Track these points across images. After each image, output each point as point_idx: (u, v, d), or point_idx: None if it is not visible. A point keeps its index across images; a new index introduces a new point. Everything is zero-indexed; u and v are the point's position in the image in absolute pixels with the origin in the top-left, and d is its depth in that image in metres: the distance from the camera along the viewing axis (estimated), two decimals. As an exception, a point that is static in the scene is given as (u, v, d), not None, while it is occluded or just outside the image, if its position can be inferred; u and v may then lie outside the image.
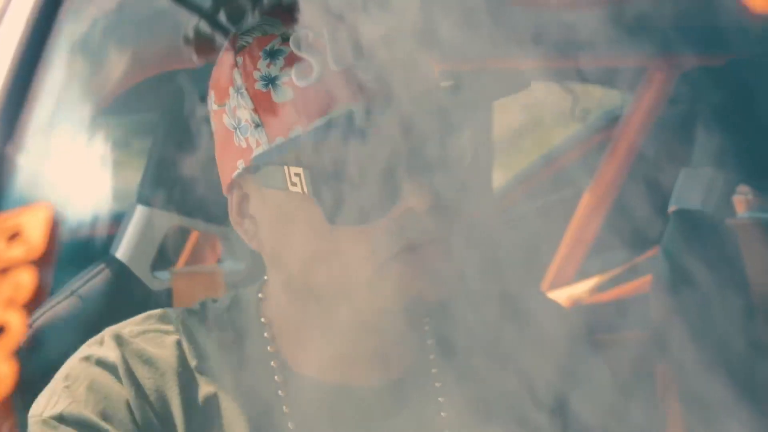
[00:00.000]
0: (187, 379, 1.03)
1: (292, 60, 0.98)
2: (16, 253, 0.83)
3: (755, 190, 1.92)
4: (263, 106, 0.98)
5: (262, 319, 1.06)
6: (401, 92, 0.96)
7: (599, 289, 2.26)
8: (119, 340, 1.03)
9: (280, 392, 1.04)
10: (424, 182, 0.98)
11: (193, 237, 1.76)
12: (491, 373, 1.06)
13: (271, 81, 0.98)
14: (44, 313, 1.36)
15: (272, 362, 1.04)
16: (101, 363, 1.02)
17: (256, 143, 0.99)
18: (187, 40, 1.18)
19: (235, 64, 1.00)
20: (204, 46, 1.23)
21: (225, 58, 1.03)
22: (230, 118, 1.01)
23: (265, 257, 1.06)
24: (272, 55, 0.99)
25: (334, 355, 1.04)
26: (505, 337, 1.07)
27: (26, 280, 0.83)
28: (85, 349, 1.04)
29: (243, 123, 1.00)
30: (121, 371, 1.01)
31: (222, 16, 1.17)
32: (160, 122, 1.51)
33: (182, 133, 1.49)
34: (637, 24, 1.61)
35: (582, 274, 2.43)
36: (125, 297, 1.44)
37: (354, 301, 1.00)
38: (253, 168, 1.00)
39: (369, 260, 0.99)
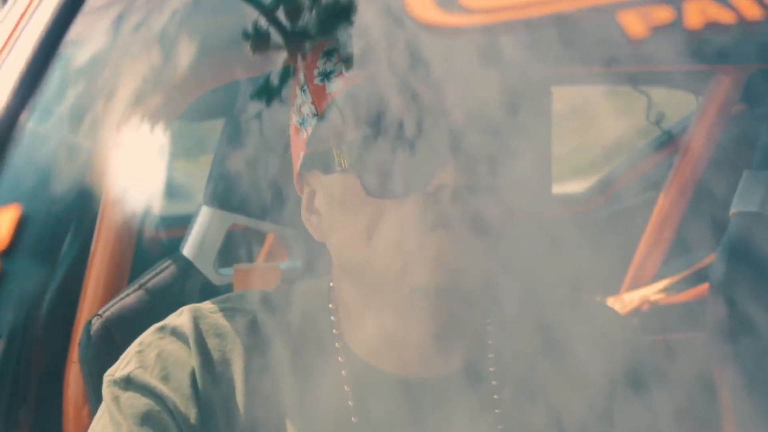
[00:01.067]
0: (254, 355, 1.07)
1: (344, 56, 1.04)
2: None
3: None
4: (319, 98, 1.05)
5: (330, 305, 1.11)
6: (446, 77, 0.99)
7: (670, 290, 2.26)
8: (197, 312, 1.09)
9: (342, 372, 1.08)
10: (462, 159, 1.00)
11: (270, 236, 1.86)
12: (548, 374, 1.09)
13: (326, 75, 1.05)
14: (114, 304, 1.47)
15: (336, 344, 1.09)
16: (175, 332, 1.08)
17: (311, 132, 1.06)
18: (246, 35, 1.24)
19: (300, 67, 1.08)
20: (261, 42, 1.31)
21: (297, 66, 1.10)
22: (297, 116, 1.09)
23: (330, 249, 1.10)
24: (329, 54, 1.06)
25: (391, 340, 1.07)
26: (563, 342, 1.09)
27: None
28: (164, 320, 1.10)
29: (306, 117, 1.07)
30: (192, 341, 1.06)
31: (281, 13, 1.22)
32: (224, 128, 1.61)
33: (243, 138, 1.59)
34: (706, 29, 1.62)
35: (661, 276, 2.44)
36: (189, 291, 1.53)
37: (398, 279, 1.02)
38: (311, 157, 1.07)
39: (406, 235, 1.01)
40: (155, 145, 1.66)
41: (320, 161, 1.07)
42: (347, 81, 1.04)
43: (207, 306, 1.11)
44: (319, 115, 1.05)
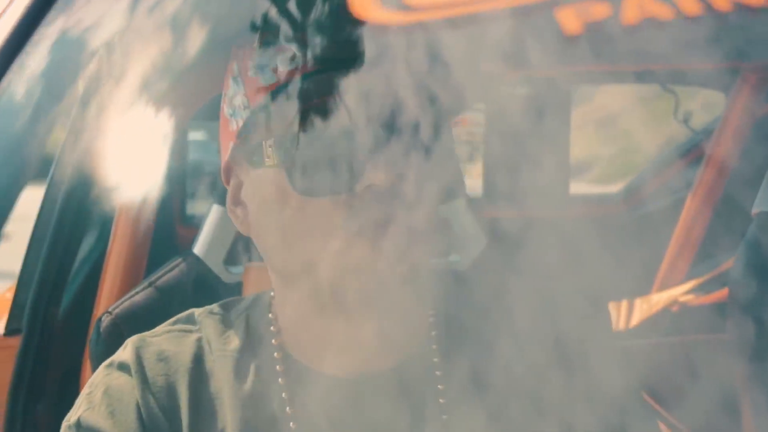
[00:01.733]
0: (198, 376, 1.07)
1: (280, 50, 1.03)
2: None
3: None
4: (251, 89, 1.04)
5: (270, 315, 1.10)
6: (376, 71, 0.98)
7: (703, 290, 2.24)
8: (140, 342, 1.10)
9: (280, 380, 1.07)
10: (389, 160, 0.99)
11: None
12: (493, 366, 1.07)
13: (261, 68, 1.04)
14: (123, 302, 1.49)
15: (275, 353, 1.08)
16: (120, 366, 1.08)
17: (242, 122, 1.05)
18: (253, 27, 1.25)
19: (236, 57, 1.07)
20: (269, 33, 1.32)
21: (232, 57, 1.09)
22: (228, 107, 1.07)
23: (256, 243, 1.09)
24: (266, 44, 1.05)
25: (327, 342, 1.06)
26: (509, 331, 1.09)
27: None
28: (111, 357, 1.10)
29: (237, 108, 1.06)
30: (134, 371, 1.07)
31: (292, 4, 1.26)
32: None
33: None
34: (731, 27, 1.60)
35: (690, 277, 2.41)
36: (198, 288, 1.55)
37: (327, 280, 1.01)
38: (238, 148, 1.06)
39: (335, 235, 1.00)
40: (171, 145, 1.68)
41: (249, 154, 1.06)
42: (282, 75, 1.03)
43: (153, 332, 1.12)
44: (251, 108, 1.04)
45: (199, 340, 1.10)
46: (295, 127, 1.01)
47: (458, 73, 0.99)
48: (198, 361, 1.08)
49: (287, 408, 1.06)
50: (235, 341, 1.10)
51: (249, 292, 1.54)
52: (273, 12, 1.06)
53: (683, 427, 1.88)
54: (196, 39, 1.42)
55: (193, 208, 1.82)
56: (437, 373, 1.09)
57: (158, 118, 1.51)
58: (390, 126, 0.99)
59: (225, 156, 1.09)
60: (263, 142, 1.04)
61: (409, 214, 1.00)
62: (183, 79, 1.55)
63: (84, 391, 1.09)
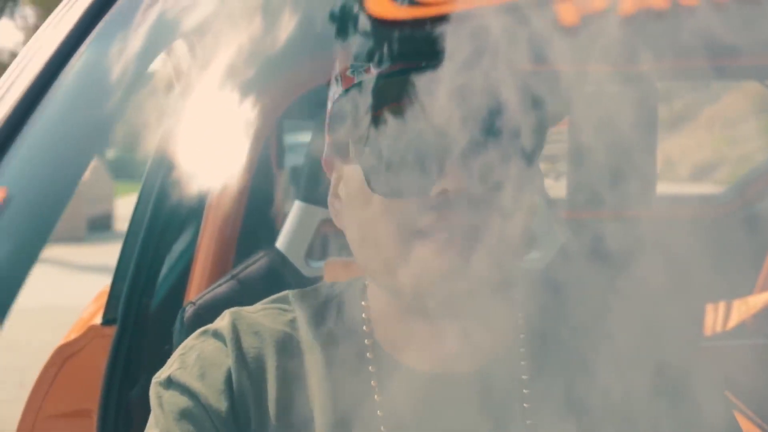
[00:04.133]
0: (289, 353, 1.11)
1: (375, 52, 1.04)
2: None
3: None
4: (347, 87, 1.06)
5: (363, 302, 1.13)
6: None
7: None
8: (236, 314, 1.14)
9: (370, 368, 1.09)
10: (466, 168, 1.00)
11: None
12: (580, 372, 1.07)
13: (357, 68, 1.07)
14: (207, 293, 1.54)
15: (366, 340, 1.11)
16: (215, 334, 1.13)
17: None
18: (353, 28, 1.27)
19: (340, 57, 1.09)
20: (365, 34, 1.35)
21: (337, 58, 1.12)
22: (330, 103, 1.11)
23: (348, 240, 1.12)
24: (362, 46, 1.05)
25: (417, 338, 1.08)
26: (599, 338, 1.08)
27: None
28: (208, 324, 1.15)
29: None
30: (229, 341, 1.11)
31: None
32: (315, 127, 1.66)
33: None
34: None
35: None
36: (279, 281, 1.59)
37: (403, 281, 1.03)
38: (337, 148, 1.09)
39: (397, 233, 1.02)
40: (262, 140, 1.73)
41: (339, 150, 1.09)
42: (371, 75, 1.05)
43: (252, 308, 1.16)
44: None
45: (293, 320, 1.14)
46: (374, 125, 1.03)
47: (557, 76, 0.99)
48: (290, 339, 1.12)
49: (375, 395, 1.09)
50: (326, 325, 1.13)
51: (329, 286, 1.57)
52: (364, 14, 1.09)
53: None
54: (291, 34, 1.47)
55: (282, 203, 1.86)
56: (523, 377, 1.09)
57: (249, 113, 1.56)
58: (471, 130, 1.00)
59: (326, 150, 1.13)
60: (349, 140, 1.07)
61: (488, 220, 1.01)
62: (275, 74, 1.59)
63: (177, 352, 1.14)
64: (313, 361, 1.11)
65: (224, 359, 1.11)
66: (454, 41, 0.97)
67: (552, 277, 1.16)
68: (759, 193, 2.87)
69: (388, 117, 1.02)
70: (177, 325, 1.49)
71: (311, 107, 1.70)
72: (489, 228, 1.01)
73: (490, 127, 1.00)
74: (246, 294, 1.55)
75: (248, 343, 1.11)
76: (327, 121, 1.11)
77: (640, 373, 1.07)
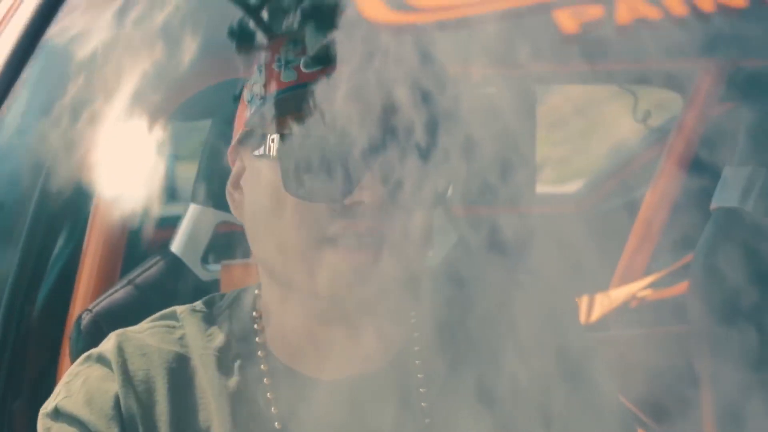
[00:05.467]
0: (180, 373, 1.09)
1: (305, 51, 1.05)
2: None
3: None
4: (271, 82, 1.06)
5: (254, 313, 1.11)
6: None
7: (661, 285, 2.30)
8: (122, 336, 1.11)
9: (265, 380, 1.08)
10: (384, 178, 1.01)
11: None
12: (476, 367, 1.09)
13: (285, 63, 1.06)
14: (103, 299, 1.51)
15: (259, 352, 1.09)
16: (99, 359, 1.10)
17: (253, 111, 1.07)
18: (231, 33, 1.26)
19: (265, 48, 1.09)
20: (246, 43, 1.34)
21: (261, 47, 1.11)
22: (248, 92, 1.10)
23: (246, 231, 1.11)
24: (294, 43, 1.06)
25: (310, 345, 1.08)
26: (492, 333, 1.10)
27: None
28: (92, 349, 1.12)
29: (254, 96, 1.08)
30: (115, 363, 1.08)
31: (265, 14, 1.27)
32: (212, 127, 1.65)
33: (229, 138, 1.63)
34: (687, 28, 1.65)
35: (649, 272, 2.47)
36: (176, 286, 1.57)
37: (302, 283, 1.04)
38: (246, 135, 1.08)
39: (305, 237, 1.02)
40: (146, 143, 1.69)
41: (255, 142, 1.07)
42: (300, 75, 1.05)
43: (136, 328, 1.13)
44: (265, 98, 1.07)
45: (182, 337, 1.11)
46: (299, 128, 1.03)
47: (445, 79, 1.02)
48: (180, 358, 1.10)
49: (272, 408, 1.08)
50: (218, 339, 1.11)
51: (226, 289, 1.56)
52: (300, 12, 1.08)
53: (643, 416, 1.93)
54: (174, 41, 1.45)
55: (170, 207, 1.84)
56: (419, 376, 1.10)
57: (135, 115, 1.53)
58: (385, 144, 1.01)
59: (234, 139, 1.11)
60: (268, 135, 1.05)
61: (397, 229, 1.02)
62: (161, 77, 1.57)
63: (62, 380, 1.11)
64: (206, 377, 1.09)
65: (110, 385, 1.08)
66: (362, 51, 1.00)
67: (443, 274, 1.18)
68: (611, 191, 3.02)
69: (314, 121, 1.02)
70: (73, 333, 1.46)
71: (203, 109, 1.69)
72: (397, 237, 1.03)
73: (407, 138, 1.02)
74: (143, 299, 1.53)
75: (136, 365, 1.09)
76: (243, 110, 1.09)
77: (532, 364, 1.09)
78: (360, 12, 1.01)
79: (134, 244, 1.74)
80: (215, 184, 1.61)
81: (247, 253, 1.79)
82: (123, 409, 1.07)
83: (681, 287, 2.25)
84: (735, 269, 1.72)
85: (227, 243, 1.69)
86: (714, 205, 1.86)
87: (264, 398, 1.08)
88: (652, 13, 1.75)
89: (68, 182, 1.68)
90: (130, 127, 1.53)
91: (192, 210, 1.59)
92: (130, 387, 1.08)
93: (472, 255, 1.18)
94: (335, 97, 1.02)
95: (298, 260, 1.04)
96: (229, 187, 1.12)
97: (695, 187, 2.13)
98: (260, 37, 1.13)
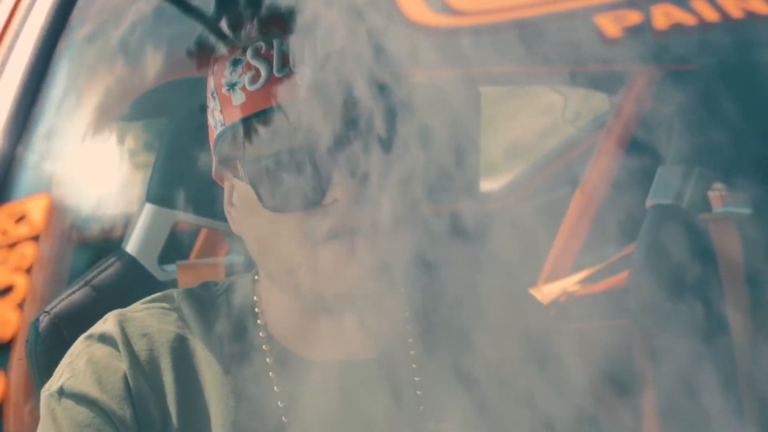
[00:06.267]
0: (182, 354, 1.11)
1: (247, 68, 1.08)
2: (22, 231, 0.98)
3: (729, 187, 2.02)
4: (226, 108, 1.09)
5: (254, 297, 1.15)
6: (338, 93, 1.05)
7: (589, 281, 2.36)
8: (121, 316, 1.12)
9: (267, 360, 1.12)
10: (353, 176, 1.05)
11: (204, 233, 1.88)
12: (468, 358, 1.14)
13: (231, 86, 1.09)
14: (60, 301, 1.48)
15: (260, 333, 1.13)
16: (102, 338, 1.11)
17: (221, 140, 1.10)
18: (189, 51, 1.27)
19: (212, 72, 1.12)
20: (205, 54, 1.34)
21: (212, 67, 1.14)
22: (211, 118, 1.13)
23: (245, 243, 1.15)
24: (235, 63, 1.09)
25: (310, 330, 1.12)
26: (480, 325, 1.15)
27: (29, 251, 0.99)
28: (90, 329, 1.13)
29: (217, 122, 1.12)
30: (120, 344, 1.10)
31: (223, 25, 1.28)
32: (168, 125, 1.63)
33: (187, 136, 1.62)
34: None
35: (577, 268, 2.53)
36: (134, 287, 1.55)
37: (300, 283, 1.08)
38: (225, 163, 1.12)
39: (302, 245, 1.07)
40: (98, 142, 1.67)
41: (228, 165, 1.12)
42: (248, 96, 1.07)
43: (133, 308, 1.15)
44: (225, 126, 1.10)
45: (180, 318, 1.13)
46: (262, 147, 1.06)
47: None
48: (180, 339, 1.12)
49: (275, 387, 1.11)
50: (218, 321, 1.13)
51: (184, 289, 1.56)
52: (237, 27, 1.10)
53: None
54: (123, 39, 1.43)
55: (125, 207, 1.81)
56: (414, 366, 1.14)
57: (86, 113, 1.51)
58: (351, 140, 1.05)
59: (214, 162, 1.15)
60: (238, 161, 1.09)
61: (377, 220, 1.06)
62: (113, 73, 1.55)
63: (63, 362, 1.11)
64: (207, 359, 1.11)
65: (118, 364, 1.09)
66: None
67: (426, 264, 1.21)
68: (535, 189, 3.08)
69: (272, 137, 1.06)
70: (31, 336, 1.43)
71: (159, 106, 1.67)
72: (379, 226, 1.07)
73: (366, 132, 1.06)
74: (102, 300, 1.51)
75: (139, 345, 1.10)
76: (212, 135, 1.13)
77: (511, 350, 1.15)
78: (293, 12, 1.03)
79: (86, 245, 1.71)
80: (171, 183, 1.60)
81: (203, 253, 1.79)
82: (133, 389, 1.08)
83: (610, 283, 2.32)
84: (673, 264, 1.79)
85: (184, 243, 1.68)
86: (650, 202, 1.93)
87: (267, 378, 1.11)
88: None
89: (12, 183, 1.64)
90: (81, 124, 1.51)
91: (147, 210, 1.58)
92: (138, 367, 1.09)
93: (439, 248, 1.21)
94: (289, 110, 1.05)
95: (295, 266, 1.07)
96: (226, 206, 1.16)
97: (623, 186, 2.20)
98: (203, 59, 1.15)
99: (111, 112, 1.66)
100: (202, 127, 1.36)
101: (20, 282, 1.02)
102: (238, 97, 1.08)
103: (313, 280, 1.07)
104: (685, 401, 1.70)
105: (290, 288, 1.11)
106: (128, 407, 1.08)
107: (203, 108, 1.18)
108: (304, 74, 1.05)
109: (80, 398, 1.07)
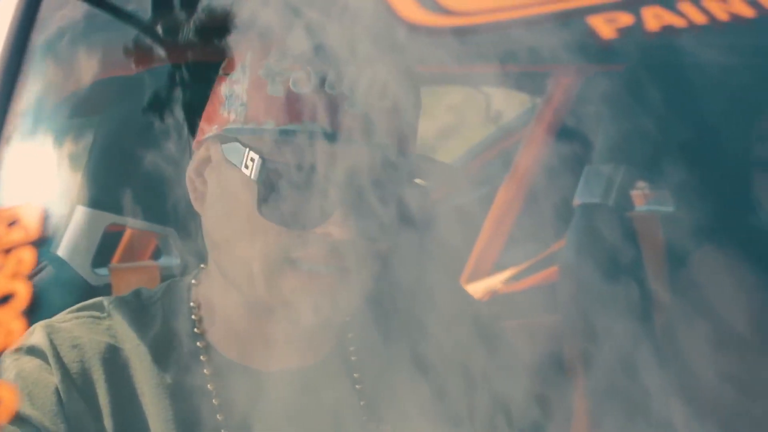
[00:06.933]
0: (114, 364, 1.09)
1: (296, 66, 1.06)
2: (16, 236, 0.95)
3: (652, 185, 2.07)
4: (255, 90, 1.07)
5: (191, 303, 1.13)
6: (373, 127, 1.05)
7: (514, 279, 2.39)
8: (49, 327, 1.09)
9: (205, 371, 1.10)
10: (354, 217, 1.04)
11: (127, 235, 1.84)
12: (409, 363, 1.14)
13: (272, 74, 1.07)
14: (-9, 306, 1.43)
15: (198, 343, 1.11)
16: (30, 351, 1.08)
17: (235, 118, 1.07)
18: (126, 51, 1.24)
19: (253, 48, 1.08)
20: (142, 55, 1.32)
21: (249, 43, 1.10)
22: (227, 88, 1.09)
23: (202, 221, 1.12)
24: (284, 55, 1.07)
25: (253, 338, 1.10)
26: (422, 327, 1.15)
27: (27, 256, 0.96)
28: (17, 342, 1.08)
29: (234, 96, 1.08)
30: (50, 356, 1.07)
31: (159, 29, 1.24)
32: (100, 125, 1.59)
33: (120, 136, 1.58)
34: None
35: (499, 267, 2.56)
36: (67, 292, 1.51)
37: (254, 290, 1.07)
38: (223, 137, 1.08)
39: (270, 254, 1.05)
40: (25, 141, 1.62)
41: (230, 151, 1.08)
42: (289, 94, 1.05)
43: (61, 318, 1.11)
44: (247, 107, 1.07)
45: (111, 327, 1.10)
46: (283, 152, 1.05)
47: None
48: (113, 349, 1.09)
49: (213, 400, 1.09)
50: (152, 330, 1.11)
51: (117, 293, 1.52)
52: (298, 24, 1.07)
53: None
54: (54, 36, 1.40)
55: (55, 209, 1.76)
56: (355, 375, 1.14)
57: (11, 110, 1.47)
58: (359, 184, 1.05)
59: (204, 130, 1.11)
60: (247, 150, 1.06)
61: (356, 265, 1.07)
62: (41, 68, 1.50)
63: None
64: (142, 369, 1.08)
65: (48, 377, 1.06)
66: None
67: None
68: (445, 194, 3.09)
69: (298, 147, 1.04)
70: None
71: (92, 105, 1.62)
72: (359, 272, 1.07)
73: (379, 182, 1.06)
74: (33, 305, 1.46)
75: (69, 357, 1.07)
76: (226, 115, 1.08)
77: (456, 354, 1.15)
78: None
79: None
80: (104, 185, 1.56)
81: (127, 256, 1.75)
82: (65, 402, 1.05)
83: (534, 280, 2.35)
84: (601, 262, 1.83)
85: (117, 246, 1.64)
86: (577, 201, 1.96)
87: (205, 389, 1.09)
88: (512, 16, 1.83)
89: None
90: (6, 123, 1.47)
91: (79, 212, 1.53)
92: (69, 380, 1.06)
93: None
94: (327, 131, 1.03)
95: (257, 271, 1.06)
96: (191, 173, 1.12)
97: (549, 184, 2.23)
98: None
99: (39, 112, 1.62)
100: (136, 127, 1.32)
101: (21, 289, 0.98)
102: (275, 88, 1.06)
103: (269, 294, 1.05)
104: (615, 396, 1.73)
105: (238, 286, 1.08)
106: (61, 422, 1.05)
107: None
108: (353, 102, 1.04)
109: (11, 415, 1.04)
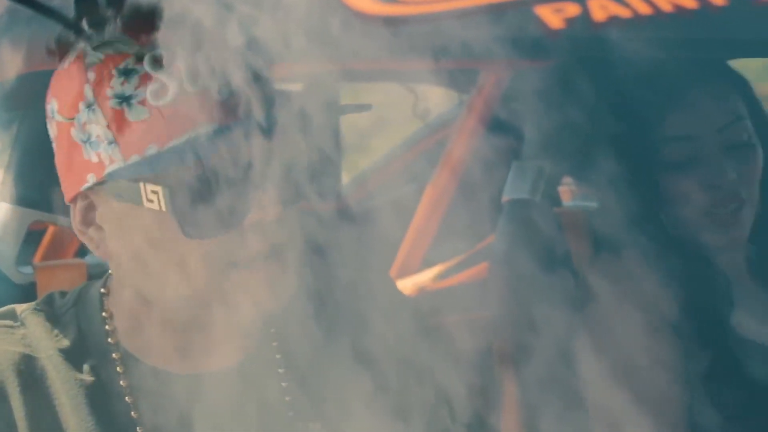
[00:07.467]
0: (29, 375, 1.05)
1: (147, 79, 0.99)
2: None
3: (578, 182, 2.10)
4: (117, 124, 0.99)
5: (104, 313, 1.09)
6: (255, 110, 0.99)
7: (443, 276, 2.40)
8: None
9: (122, 382, 1.07)
10: (272, 194, 1.00)
11: (51, 232, 1.80)
12: (335, 358, 1.12)
13: (125, 99, 0.99)
14: None
15: (113, 354, 1.08)
16: None
17: (110, 159, 1.01)
18: (49, 47, 1.20)
19: (87, 80, 1.01)
20: (67, 50, 1.28)
21: (72, 72, 1.03)
22: (79, 132, 1.02)
23: (110, 263, 1.08)
24: (126, 73, 1.00)
25: (172, 345, 1.07)
26: (349, 323, 1.13)
27: None
28: None
29: (94, 138, 1.01)
30: None
31: (84, 24, 1.22)
32: (22, 120, 1.56)
33: (43, 132, 1.55)
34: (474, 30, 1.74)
35: (427, 263, 2.57)
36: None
37: (188, 303, 1.04)
38: (114, 188, 1.02)
39: (211, 268, 1.01)
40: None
41: (120, 191, 1.02)
42: (157, 115, 0.99)
43: None
44: (118, 144, 1.00)
45: (25, 337, 1.07)
46: (184, 177, 0.99)
47: None
48: (28, 359, 1.05)
49: (132, 412, 1.07)
50: (67, 339, 1.08)
51: (43, 292, 1.49)
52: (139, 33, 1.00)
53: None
54: None
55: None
56: (280, 371, 1.11)
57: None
58: (274, 159, 1.00)
59: (74, 182, 1.05)
60: (142, 184, 1.00)
61: (292, 238, 1.04)
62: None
63: None
64: (58, 379, 1.06)
65: None
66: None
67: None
68: (378, 187, 3.10)
69: (195, 159, 0.99)
70: None
71: (10, 99, 1.58)
72: (295, 253, 1.05)
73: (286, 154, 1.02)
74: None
75: None
76: (95, 159, 1.02)
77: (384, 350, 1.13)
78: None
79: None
80: (28, 181, 1.52)
81: (50, 254, 1.71)
82: None
83: (464, 277, 2.36)
84: (530, 257, 1.84)
85: (40, 243, 1.61)
86: (506, 197, 1.98)
87: (122, 400, 1.07)
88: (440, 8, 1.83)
89: None
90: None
91: (1, 209, 1.50)
92: None
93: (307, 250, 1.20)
94: (210, 129, 0.98)
95: (197, 287, 1.02)
96: (78, 226, 1.07)
97: (478, 181, 2.24)
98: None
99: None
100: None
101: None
102: (137, 113, 0.99)
103: (222, 305, 1.02)
104: (546, 392, 1.75)
105: (164, 302, 1.05)
106: None
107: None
108: (222, 89, 0.98)
109: None
